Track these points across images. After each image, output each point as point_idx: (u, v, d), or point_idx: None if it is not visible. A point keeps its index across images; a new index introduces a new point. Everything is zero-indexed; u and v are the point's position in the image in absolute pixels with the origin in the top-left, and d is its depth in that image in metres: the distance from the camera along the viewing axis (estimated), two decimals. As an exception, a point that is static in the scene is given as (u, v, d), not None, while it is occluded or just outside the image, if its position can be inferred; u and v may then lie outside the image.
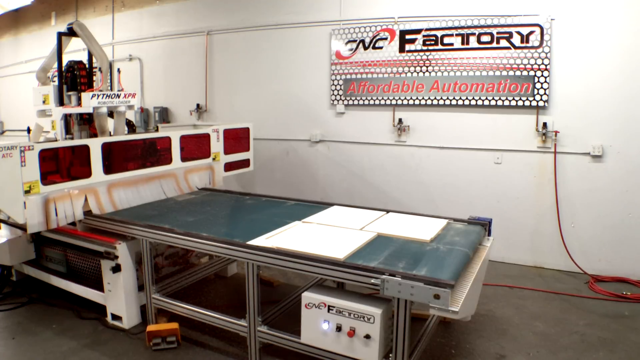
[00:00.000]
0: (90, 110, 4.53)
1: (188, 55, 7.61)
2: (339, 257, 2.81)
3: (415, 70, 5.73)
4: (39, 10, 9.69)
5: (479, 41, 5.36)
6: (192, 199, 4.68)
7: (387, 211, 4.04)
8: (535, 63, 5.09)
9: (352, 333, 2.69)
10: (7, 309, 4.22)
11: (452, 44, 5.50)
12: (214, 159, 5.35)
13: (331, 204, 4.34)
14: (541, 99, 5.11)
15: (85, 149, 4.03)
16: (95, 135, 4.73)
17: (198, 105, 7.54)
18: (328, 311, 2.78)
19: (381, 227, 3.54)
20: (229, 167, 5.59)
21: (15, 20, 10.32)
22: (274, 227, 3.52)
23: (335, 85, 6.30)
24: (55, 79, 4.87)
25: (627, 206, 4.90)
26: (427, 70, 5.67)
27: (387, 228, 3.52)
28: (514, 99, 5.23)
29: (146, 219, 3.85)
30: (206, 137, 5.28)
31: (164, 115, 7.95)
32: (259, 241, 3.19)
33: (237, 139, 5.70)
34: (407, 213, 3.98)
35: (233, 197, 4.88)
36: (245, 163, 5.87)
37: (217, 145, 5.36)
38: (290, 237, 3.28)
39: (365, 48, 6.02)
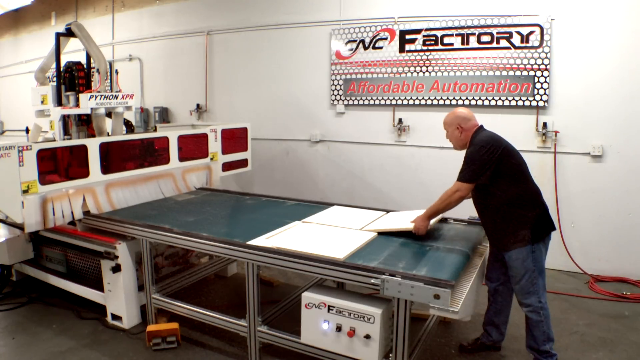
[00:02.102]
0: (88, 112, 4.53)
1: (188, 55, 7.61)
2: (339, 257, 2.80)
3: (415, 70, 5.73)
4: (39, 10, 9.69)
5: (479, 41, 5.36)
6: (192, 199, 4.68)
7: (387, 211, 4.03)
8: (535, 63, 5.09)
9: (352, 333, 2.69)
10: (7, 309, 4.22)
11: (452, 44, 5.50)
12: (211, 158, 5.36)
13: (331, 204, 4.34)
14: (541, 99, 5.11)
15: (83, 148, 4.03)
16: (93, 136, 4.73)
17: (198, 105, 7.54)
18: (328, 311, 2.77)
19: (381, 227, 3.53)
20: (226, 167, 5.59)
21: (15, 20, 10.32)
22: (274, 227, 3.50)
23: (335, 85, 6.30)
24: (55, 79, 4.87)
25: (627, 206, 4.90)
26: (427, 70, 5.67)
27: (387, 228, 3.51)
28: (514, 99, 5.23)
29: (146, 218, 3.85)
30: (204, 137, 5.28)
31: (164, 115, 7.95)
32: (259, 241, 3.18)
33: (235, 139, 5.70)
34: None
35: (232, 197, 4.87)
36: (243, 163, 5.87)
37: (215, 145, 5.36)
38: (290, 237, 3.27)
39: (365, 48, 6.02)
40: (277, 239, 3.20)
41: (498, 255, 3.20)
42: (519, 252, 2.99)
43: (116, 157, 4.43)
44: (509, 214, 2.97)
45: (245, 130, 5.85)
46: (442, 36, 5.55)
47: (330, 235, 3.32)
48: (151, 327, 3.58)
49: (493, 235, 3.14)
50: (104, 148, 4.20)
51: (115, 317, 3.92)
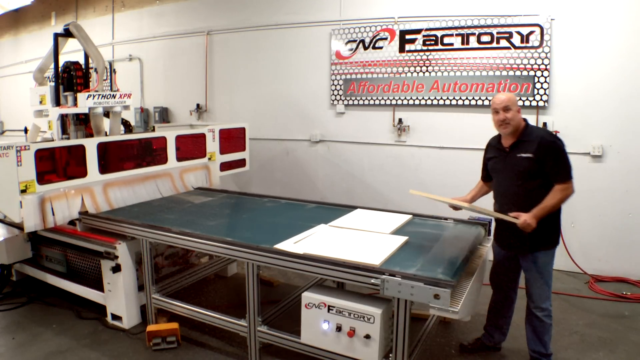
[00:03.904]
0: (86, 111, 4.53)
1: (188, 55, 7.61)
2: (375, 264, 2.68)
3: (415, 70, 5.73)
4: (39, 10, 9.69)
5: (479, 41, 5.36)
6: (209, 202, 4.57)
7: (413, 215, 3.92)
8: (535, 63, 5.09)
9: (352, 333, 2.68)
10: (7, 309, 4.22)
11: (452, 44, 5.50)
12: (209, 158, 5.36)
13: (354, 207, 4.20)
14: (541, 99, 5.10)
15: (81, 148, 4.04)
16: (91, 135, 4.73)
17: (198, 105, 7.54)
18: (328, 311, 2.77)
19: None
20: (225, 166, 5.59)
21: (15, 20, 10.32)
22: (299, 231, 3.37)
23: (335, 85, 6.29)
24: (53, 79, 4.87)
25: (627, 206, 4.90)
26: (427, 70, 5.67)
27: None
28: (514, 98, 5.22)
29: (165, 223, 3.70)
30: (202, 137, 5.28)
31: (164, 115, 7.94)
32: (287, 245, 3.05)
33: (233, 139, 5.71)
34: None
35: (250, 200, 4.74)
36: (241, 163, 5.87)
37: (212, 145, 5.37)
38: (318, 241, 3.14)
39: (365, 48, 6.02)
40: (306, 244, 3.08)
41: (513, 259, 3.14)
42: (546, 255, 3.02)
43: (114, 157, 4.43)
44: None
45: (243, 130, 5.85)
46: (442, 36, 5.54)
47: (360, 239, 3.21)
48: (151, 327, 3.58)
49: (521, 235, 2.97)
50: (102, 148, 4.20)
51: (115, 317, 3.91)
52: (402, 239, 3.20)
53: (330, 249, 2.97)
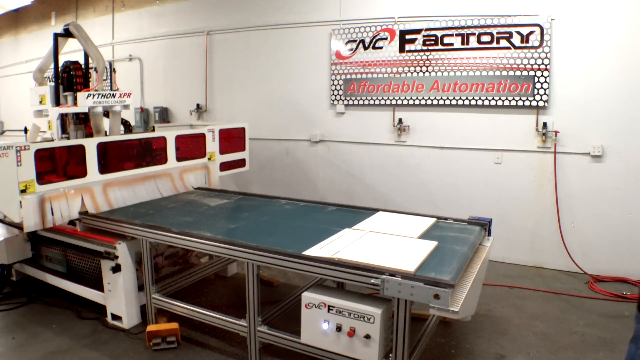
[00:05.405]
0: (86, 110, 4.53)
1: (188, 55, 7.61)
2: (410, 270, 2.59)
3: (415, 70, 5.73)
4: (39, 10, 9.69)
5: (479, 41, 5.36)
6: (225, 204, 4.52)
7: (438, 218, 3.85)
8: (535, 63, 5.09)
9: (352, 333, 2.68)
10: (7, 309, 4.22)
11: (452, 44, 5.50)
12: (209, 158, 5.36)
13: (376, 210, 4.11)
14: (541, 99, 5.10)
15: (81, 148, 4.04)
16: (91, 135, 4.73)
17: (198, 105, 7.54)
18: (328, 311, 2.77)
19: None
20: (224, 166, 5.59)
21: (15, 20, 10.32)
22: (325, 236, 3.28)
23: (335, 85, 6.29)
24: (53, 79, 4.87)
25: (627, 206, 4.90)
26: (427, 70, 5.67)
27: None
28: (514, 99, 5.23)
29: (186, 227, 3.65)
30: (202, 137, 5.29)
31: (164, 115, 7.95)
32: (314, 251, 2.96)
33: (232, 139, 5.71)
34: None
35: (268, 201, 4.65)
36: (241, 163, 5.88)
37: (212, 145, 5.37)
38: (346, 246, 3.05)
39: (365, 48, 6.02)
40: (334, 249, 2.99)
41: None
42: None
43: (114, 157, 4.44)
44: None
45: (242, 130, 5.85)
46: (442, 36, 5.54)
47: (389, 244, 3.13)
48: (151, 327, 3.58)
49: None
50: (102, 148, 4.20)
51: (115, 317, 3.91)
52: (432, 244, 3.09)
53: (360, 254, 2.89)
